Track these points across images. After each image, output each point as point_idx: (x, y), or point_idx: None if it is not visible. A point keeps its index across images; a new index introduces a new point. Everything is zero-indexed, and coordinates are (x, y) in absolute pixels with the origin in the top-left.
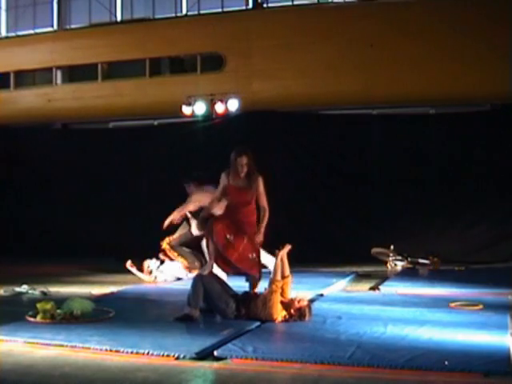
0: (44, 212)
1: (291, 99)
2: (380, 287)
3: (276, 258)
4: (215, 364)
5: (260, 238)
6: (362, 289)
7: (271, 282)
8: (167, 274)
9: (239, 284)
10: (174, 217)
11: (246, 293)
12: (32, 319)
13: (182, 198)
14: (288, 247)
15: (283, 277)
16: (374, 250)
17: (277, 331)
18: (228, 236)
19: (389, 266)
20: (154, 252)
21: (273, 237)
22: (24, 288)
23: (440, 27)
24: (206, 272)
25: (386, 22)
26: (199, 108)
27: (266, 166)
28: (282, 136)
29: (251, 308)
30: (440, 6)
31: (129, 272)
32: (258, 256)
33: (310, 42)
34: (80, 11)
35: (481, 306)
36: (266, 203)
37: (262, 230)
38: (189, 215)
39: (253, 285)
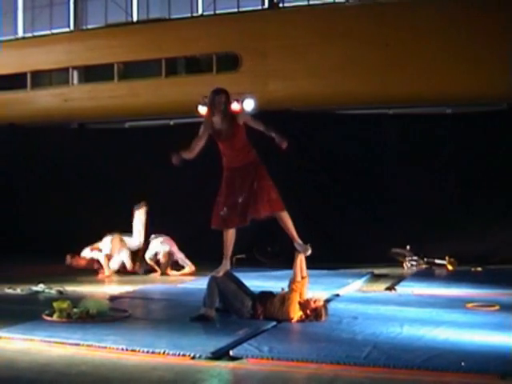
0: (60, 211)
1: (307, 99)
2: (396, 287)
3: (295, 259)
4: (231, 364)
5: (284, 142)
6: (378, 289)
7: (291, 282)
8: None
9: (257, 284)
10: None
11: (262, 292)
12: (48, 318)
13: (198, 197)
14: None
15: (301, 277)
16: (391, 251)
17: (292, 331)
18: (221, 212)
19: (405, 267)
20: None
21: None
22: (40, 287)
23: (456, 26)
24: (220, 273)
25: (402, 22)
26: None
27: (281, 166)
28: (297, 136)
29: (267, 307)
30: (456, 5)
31: (144, 271)
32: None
33: (325, 41)
34: (96, 12)
35: (497, 307)
36: (263, 125)
37: (277, 134)
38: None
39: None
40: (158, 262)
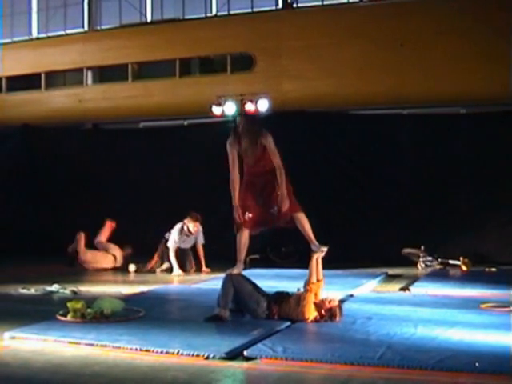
0: (74, 211)
1: (321, 99)
2: (410, 288)
3: (311, 260)
4: (245, 364)
5: (286, 203)
6: (393, 289)
7: (306, 283)
8: None
9: (271, 284)
10: None
11: (277, 292)
12: (63, 318)
13: (211, 198)
14: (326, 249)
15: (317, 280)
16: (405, 251)
17: (307, 331)
18: (246, 217)
19: (419, 267)
20: None
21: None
22: (55, 287)
23: (470, 26)
24: (235, 272)
25: (416, 22)
26: (229, 108)
27: (295, 166)
28: (311, 136)
29: (283, 307)
30: (471, 5)
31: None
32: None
33: (339, 41)
34: (110, 12)
35: None
36: (280, 161)
37: (285, 192)
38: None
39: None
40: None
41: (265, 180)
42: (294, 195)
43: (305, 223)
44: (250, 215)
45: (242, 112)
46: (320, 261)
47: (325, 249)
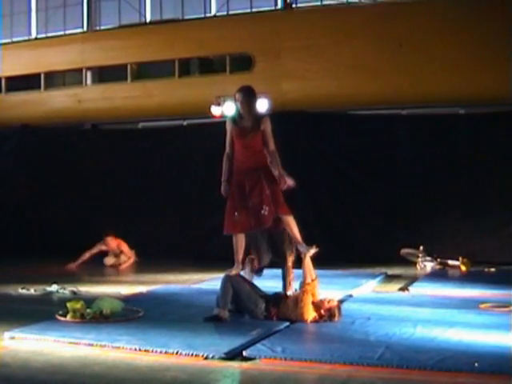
0: (73, 212)
1: (320, 99)
2: (409, 288)
3: (303, 261)
4: (244, 364)
5: (289, 181)
6: (392, 290)
7: (303, 284)
8: None
9: (270, 284)
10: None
11: (276, 293)
12: (62, 318)
13: (211, 199)
14: (314, 249)
15: (311, 279)
16: (404, 251)
17: (306, 332)
18: (233, 217)
19: (418, 267)
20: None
21: (301, 237)
22: (54, 287)
23: (470, 26)
24: (233, 272)
25: (416, 22)
26: (228, 108)
27: (294, 166)
28: (311, 136)
29: (281, 308)
30: (471, 5)
31: (157, 271)
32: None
33: (339, 42)
34: (109, 12)
35: (511, 308)
36: (274, 147)
37: (283, 172)
38: None
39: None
40: None
41: (254, 180)
42: (283, 198)
43: (293, 226)
44: (240, 216)
45: (241, 87)
46: (310, 261)
47: (312, 250)
